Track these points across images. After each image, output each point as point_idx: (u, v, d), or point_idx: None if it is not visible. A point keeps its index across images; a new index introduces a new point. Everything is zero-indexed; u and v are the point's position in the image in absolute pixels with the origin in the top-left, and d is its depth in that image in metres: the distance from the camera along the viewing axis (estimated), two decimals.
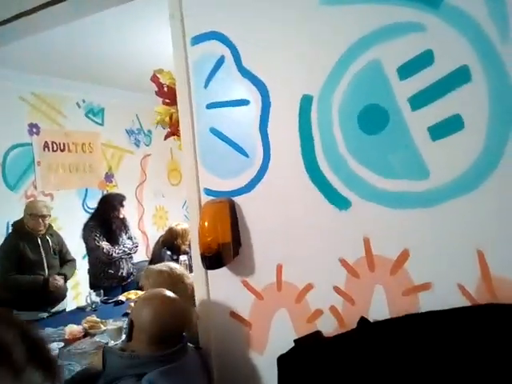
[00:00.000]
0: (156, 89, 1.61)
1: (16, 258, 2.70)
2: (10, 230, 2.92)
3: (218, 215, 1.42)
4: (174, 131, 1.55)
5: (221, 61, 1.43)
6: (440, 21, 1.11)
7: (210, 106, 1.47)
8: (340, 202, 1.28)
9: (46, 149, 4.07)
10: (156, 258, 3.42)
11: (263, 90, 1.37)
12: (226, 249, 1.42)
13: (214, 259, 1.41)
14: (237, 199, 1.46)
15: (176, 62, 1.50)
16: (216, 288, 1.54)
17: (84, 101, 4.41)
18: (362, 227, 1.26)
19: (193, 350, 1.42)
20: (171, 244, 3.52)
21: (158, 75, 1.60)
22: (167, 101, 1.58)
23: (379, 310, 1.24)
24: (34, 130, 3.96)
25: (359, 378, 1.18)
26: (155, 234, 4.53)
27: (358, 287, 1.28)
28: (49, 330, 2.41)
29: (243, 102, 1.41)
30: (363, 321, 1.24)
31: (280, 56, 1.34)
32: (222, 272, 1.48)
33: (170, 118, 1.54)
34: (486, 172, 1.09)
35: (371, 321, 1.24)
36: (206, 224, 1.40)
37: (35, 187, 3.93)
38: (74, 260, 3.08)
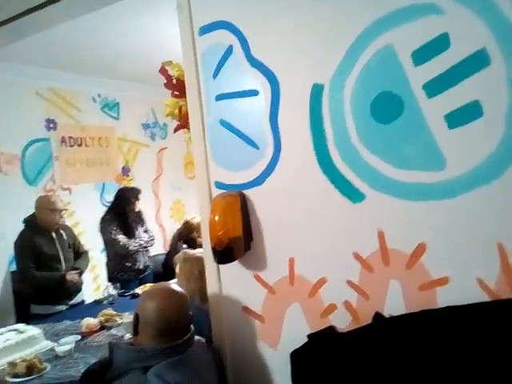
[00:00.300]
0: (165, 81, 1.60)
1: (33, 253, 2.73)
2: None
3: (229, 209, 1.40)
4: (183, 124, 1.53)
5: (229, 51, 1.40)
6: (456, 2, 1.06)
7: (219, 97, 1.44)
8: (353, 194, 1.24)
9: (64, 144, 4.11)
10: (173, 251, 3.44)
11: (273, 80, 1.34)
12: (238, 243, 1.39)
13: (225, 253, 1.39)
14: (248, 192, 1.43)
15: (184, 52, 1.48)
16: (228, 282, 1.52)
17: (99, 95, 4.43)
18: (376, 220, 1.22)
19: (201, 343, 1.41)
20: (187, 237, 3.53)
21: (167, 67, 1.58)
22: (176, 93, 1.56)
23: (395, 305, 1.20)
24: (51, 125, 4.00)
25: (374, 374, 1.15)
26: (172, 227, 4.55)
27: (373, 282, 1.24)
28: (66, 323, 2.44)
29: (253, 93, 1.38)
30: (378, 316, 1.21)
31: (290, 44, 1.30)
32: (234, 266, 1.47)
33: (180, 111, 1.52)
34: (506, 162, 1.03)
35: (386, 316, 1.21)
36: (217, 218, 1.38)
37: (54, 182, 3.98)
38: (86, 252, 3.12)
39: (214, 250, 1.39)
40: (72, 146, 4.19)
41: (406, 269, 1.18)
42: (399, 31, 1.13)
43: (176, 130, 1.57)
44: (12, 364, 1.79)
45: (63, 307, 2.81)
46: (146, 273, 3.53)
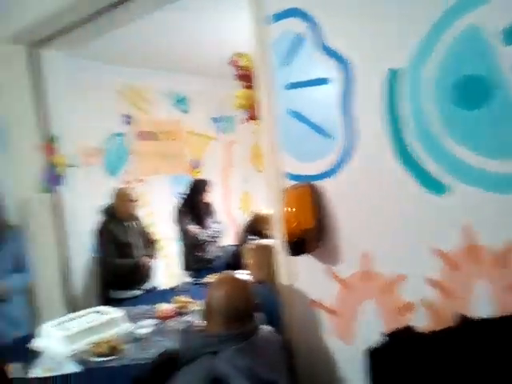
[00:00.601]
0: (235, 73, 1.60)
1: (111, 242, 2.90)
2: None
3: (301, 201, 1.38)
4: (253, 115, 1.53)
5: (301, 38, 1.36)
6: None
7: (290, 86, 1.41)
8: (435, 187, 1.16)
9: (138, 137, 4.32)
10: (241, 242, 3.48)
11: (346, 67, 1.28)
12: (310, 235, 1.37)
13: (297, 245, 1.38)
14: (320, 183, 1.39)
15: (254, 41, 1.46)
16: (300, 275, 1.50)
17: (170, 90, 4.58)
18: (461, 214, 1.13)
19: (268, 331, 1.42)
20: (255, 229, 3.56)
21: (237, 59, 1.58)
22: (247, 84, 1.55)
23: (481, 306, 1.11)
24: (128, 119, 4.22)
25: (459, 379, 1.07)
26: (242, 218, 4.61)
27: (457, 280, 1.16)
28: (142, 308, 2.56)
29: (325, 81, 1.33)
30: (463, 318, 1.13)
31: (363, 29, 1.24)
32: (306, 259, 1.44)
33: (250, 102, 1.52)
34: None
35: (472, 318, 1.12)
36: (290, 210, 1.37)
37: (130, 174, 4.20)
38: (156, 241, 3.25)
39: (287, 242, 1.37)
40: (146, 139, 4.39)
41: (497, 268, 1.08)
42: (487, 8, 1.03)
43: (246, 121, 1.58)
44: (97, 344, 1.91)
45: (137, 292, 2.96)
46: (216, 262, 3.61)
